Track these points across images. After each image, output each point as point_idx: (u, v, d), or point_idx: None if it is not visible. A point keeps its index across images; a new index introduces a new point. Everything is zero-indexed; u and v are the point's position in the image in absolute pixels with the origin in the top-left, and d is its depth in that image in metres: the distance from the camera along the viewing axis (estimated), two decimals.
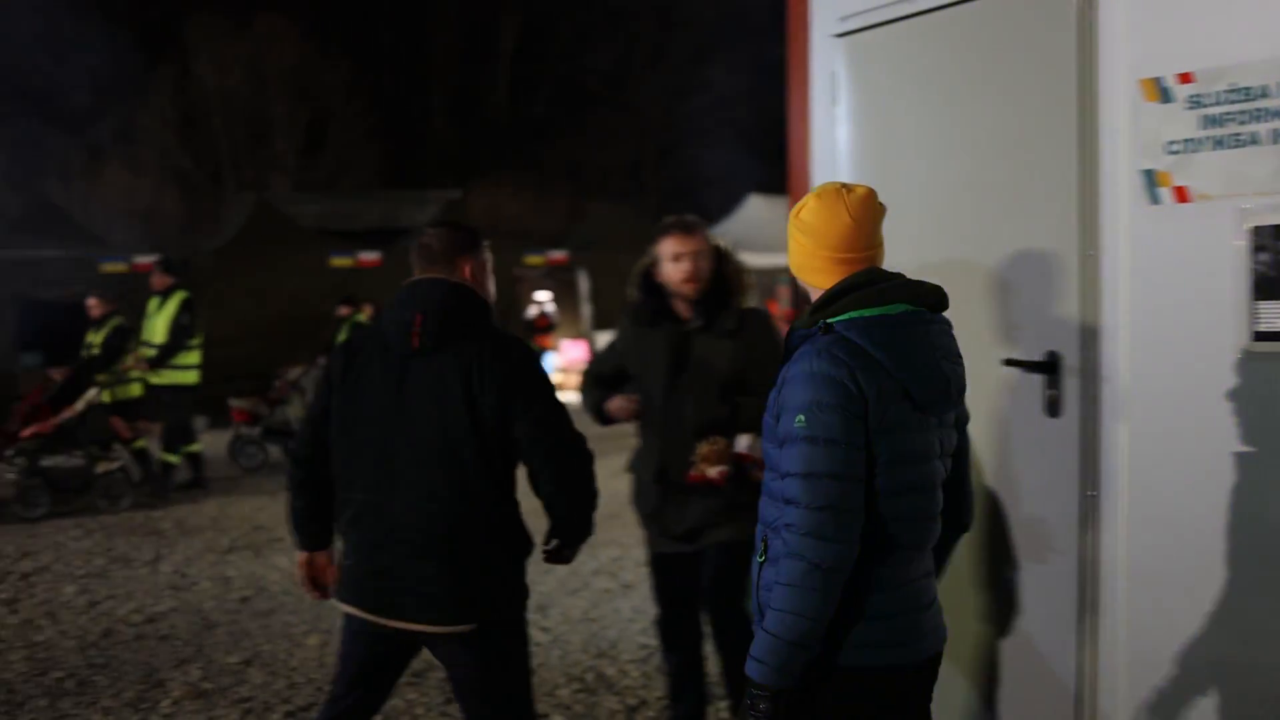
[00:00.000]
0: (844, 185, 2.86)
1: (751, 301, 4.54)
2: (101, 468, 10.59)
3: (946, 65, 4.23)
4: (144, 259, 16.75)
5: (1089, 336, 3.85)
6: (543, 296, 22.12)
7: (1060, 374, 3.93)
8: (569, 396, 19.08)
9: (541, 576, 7.81)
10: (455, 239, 3.69)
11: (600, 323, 21.28)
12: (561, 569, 8.00)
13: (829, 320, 2.70)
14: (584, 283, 21.72)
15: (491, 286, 3.76)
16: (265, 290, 16.91)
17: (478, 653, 3.52)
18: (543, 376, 3.58)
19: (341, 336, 13.35)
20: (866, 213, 2.81)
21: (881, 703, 2.71)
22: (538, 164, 37.62)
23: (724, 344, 4.41)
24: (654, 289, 4.52)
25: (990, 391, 4.11)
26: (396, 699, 5.54)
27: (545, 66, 41.58)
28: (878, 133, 4.51)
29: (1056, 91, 3.88)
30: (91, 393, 10.64)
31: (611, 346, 4.77)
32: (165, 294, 11.23)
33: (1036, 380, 3.99)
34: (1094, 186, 3.81)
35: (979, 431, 4.14)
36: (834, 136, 4.65)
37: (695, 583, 4.55)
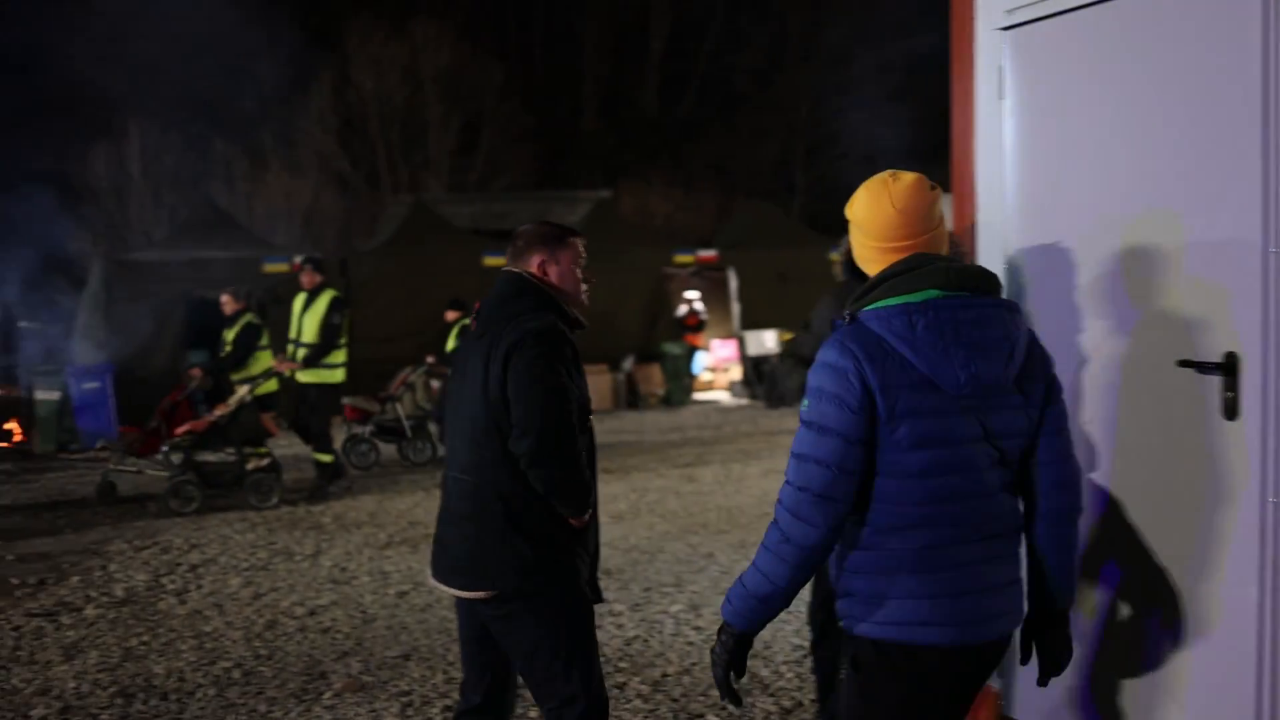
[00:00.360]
0: (892, 174, 2.88)
1: None
2: (252, 465, 10.86)
3: (1121, 57, 4.08)
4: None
5: (1270, 337, 3.68)
6: (692, 295, 22.12)
7: (1239, 375, 3.77)
8: (717, 395, 18.95)
9: (693, 575, 7.81)
10: (530, 234, 3.86)
11: (749, 321, 21.20)
12: (714, 568, 8.00)
13: (856, 310, 2.77)
14: (733, 281, 21.65)
15: (571, 281, 3.84)
16: (420, 289, 17.23)
17: (507, 620, 3.64)
18: (540, 373, 3.55)
19: (451, 343, 13.35)
20: (913, 200, 2.83)
21: (902, 677, 2.75)
22: (686, 163, 37.66)
23: None
24: (859, 270, 4.38)
25: (1163, 394, 3.96)
26: None
27: (694, 65, 41.63)
28: (1047, 127, 4.37)
29: (1240, 82, 3.72)
30: (244, 390, 10.92)
31: (813, 328, 4.66)
32: (314, 293, 11.34)
33: (1213, 382, 3.83)
34: (1276, 182, 3.64)
35: (1151, 435, 3.99)
36: (1000, 131, 4.52)
37: None
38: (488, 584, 3.62)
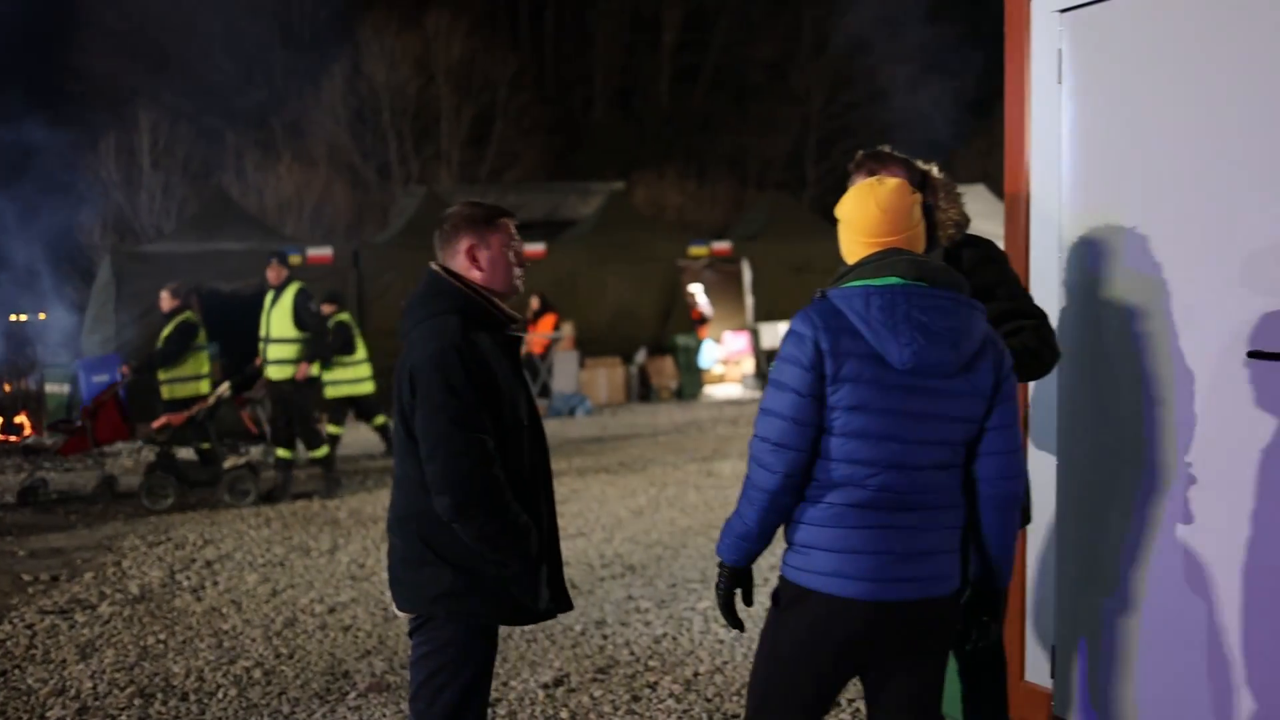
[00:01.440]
0: (878, 179, 3.22)
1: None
2: (230, 462, 10.64)
3: (1190, 43, 3.91)
4: (317, 251, 17.09)
5: None
6: (695, 288, 21.89)
7: None
8: (729, 388, 18.80)
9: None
10: (457, 217, 3.62)
11: (764, 313, 21.03)
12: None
13: (826, 289, 3.10)
14: (747, 273, 21.46)
15: (503, 266, 3.57)
16: None
17: (415, 635, 3.58)
18: (441, 376, 3.34)
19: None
20: (895, 202, 3.15)
21: (816, 620, 3.06)
22: (699, 155, 37.51)
23: None
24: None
25: (1233, 386, 3.80)
26: (583, 695, 5.42)
27: (706, 57, 41.47)
28: (1107, 113, 4.19)
29: None
30: (222, 387, 10.71)
31: None
32: (280, 288, 11.00)
33: None
34: None
35: (1220, 428, 3.83)
36: (1057, 117, 4.35)
37: None
38: (405, 604, 3.57)
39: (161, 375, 11.21)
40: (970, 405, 3.04)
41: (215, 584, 7.70)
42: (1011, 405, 3.09)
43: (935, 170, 4.01)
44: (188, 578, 7.86)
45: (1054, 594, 4.51)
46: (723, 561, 3.23)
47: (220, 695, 5.60)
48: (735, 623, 3.26)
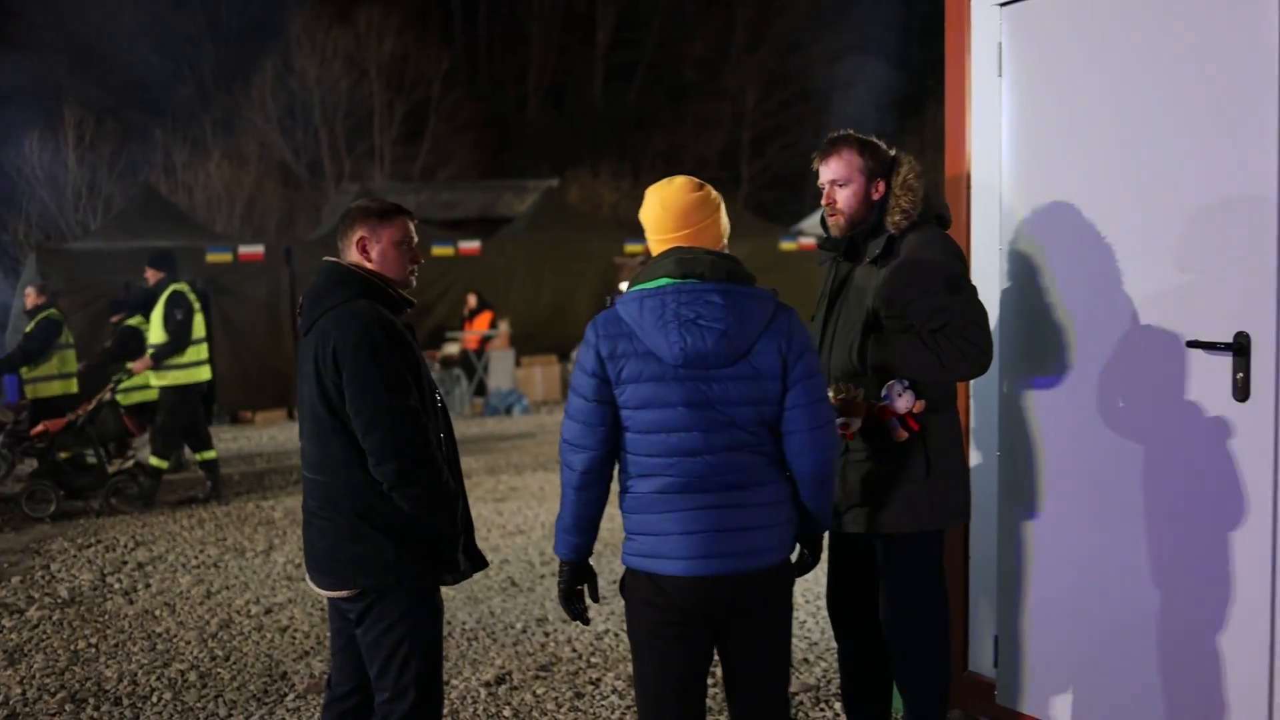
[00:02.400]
0: (669, 180, 3.36)
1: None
2: (115, 467, 10.35)
3: (1126, 33, 3.95)
4: (249, 249, 16.85)
5: None
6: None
7: (1250, 356, 3.66)
8: None
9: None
10: (355, 210, 3.76)
11: None
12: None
13: (614, 297, 3.27)
14: None
15: (394, 260, 3.72)
16: None
17: (363, 613, 3.66)
18: (371, 350, 3.50)
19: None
20: (676, 199, 3.29)
21: (649, 599, 3.27)
22: (634, 153, 37.50)
23: (873, 274, 3.95)
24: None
25: (1173, 376, 3.84)
26: (525, 692, 5.39)
27: (640, 55, 41.48)
28: (1045, 104, 4.23)
29: (1254, 57, 3.59)
30: (104, 390, 10.40)
31: None
32: (156, 290, 10.51)
33: (1223, 363, 3.73)
34: None
35: (1160, 418, 3.87)
36: (997, 109, 4.38)
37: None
38: (349, 582, 3.63)
39: (25, 374, 10.79)
40: (756, 388, 3.18)
41: (148, 586, 7.56)
42: (810, 384, 3.23)
43: (907, 161, 3.96)
44: (119, 580, 7.71)
45: (995, 584, 4.54)
46: (557, 555, 3.45)
47: (154, 699, 5.50)
48: (575, 615, 3.48)
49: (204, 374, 10.68)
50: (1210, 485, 3.78)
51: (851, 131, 4.00)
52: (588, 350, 3.23)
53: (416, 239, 3.82)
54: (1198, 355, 3.79)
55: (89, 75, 30.06)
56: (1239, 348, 3.69)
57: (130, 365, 10.61)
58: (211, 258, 16.24)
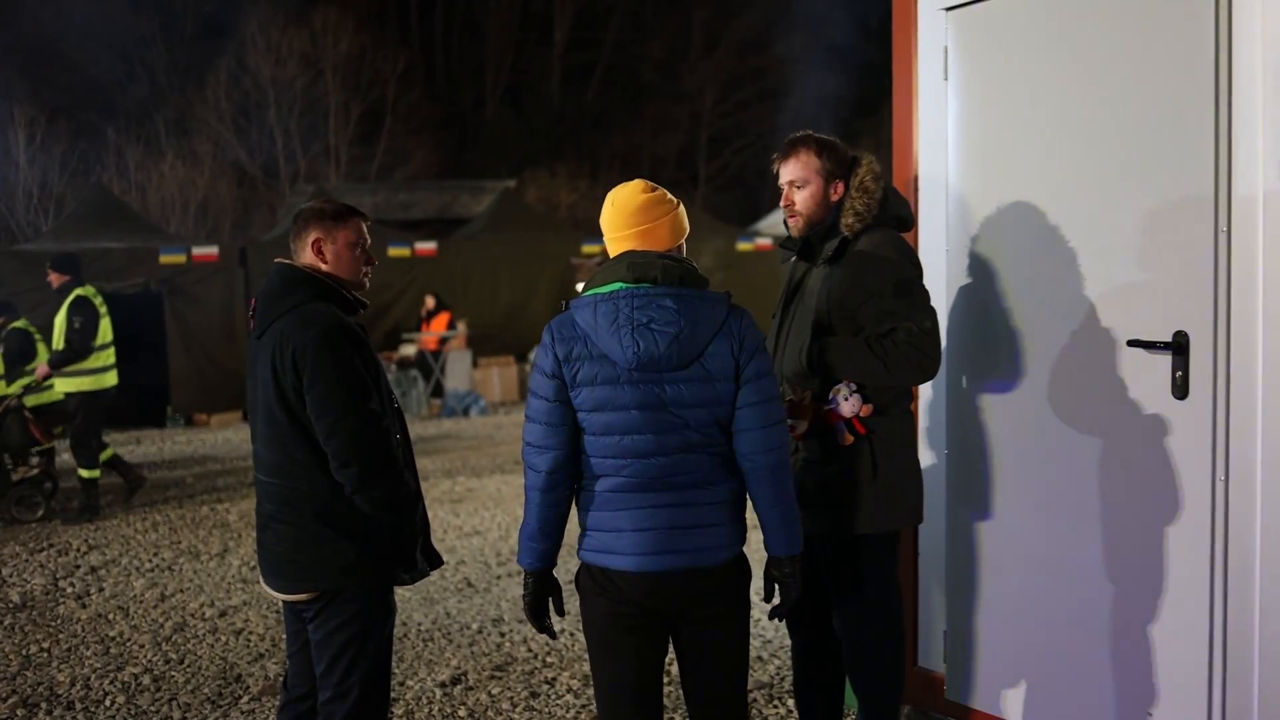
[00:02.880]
0: (625, 182, 3.44)
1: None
2: (19, 474, 10.06)
3: (1068, 37, 4.02)
4: (203, 250, 16.74)
5: (1220, 316, 3.65)
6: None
7: (1188, 355, 3.73)
8: None
9: None
10: (309, 211, 3.74)
11: None
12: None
13: (570, 300, 3.32)
14: None
15: (347, 262, 3.71)
16: None
17: (317, 614, 3.66)
18: (332, 353, 3.51)
19: None
20: (626, 198, 3.37)
21: (602, 593, 3.33)
22: (591, 153, 37.52)
23: (825, 275, 3.96)
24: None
25: (1114, 374, 3.92)
26: (481, 692, 5.40)
27: (598, 55, 41.49)
28: (992, 109, 4.29)
29: (1190, 64, 3.68)
30: (10, 397, 10.05)
31: None
32: (61, 294, 10.15)
33: (1162, 361, 3.80)
34: (1228, 161, 3.61)
35: (1101, 416, 3.95)
36: (944, 112, 4.44)
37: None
38: (308, 585, 3.64)
39: None
40: (708, 390, 3.23)
41: (101, 590, 7.51)
42: (762, 384, 3.26)
43: (866, 163, 3.98)
44: (72, 584, 7.66)
45: (944, 580, 4.60)
46: (521, 566, 3.44)
47: (108, 703, 5.47)
48: (542, 628, 3.48)
49: (111, 379, 10.28)
50: (1152, 481, 3.86)
51: (811, 133, 4.02)
52: (545, 353, 3.27)
53: (370, 240, 3.81)
54: (1138, 354, 3.86)
55: (41, 74, 29.74)
56: (1178, 347, 3.76)
57: (32, 370, 10.32)
58: (165, 259, 16.11)
